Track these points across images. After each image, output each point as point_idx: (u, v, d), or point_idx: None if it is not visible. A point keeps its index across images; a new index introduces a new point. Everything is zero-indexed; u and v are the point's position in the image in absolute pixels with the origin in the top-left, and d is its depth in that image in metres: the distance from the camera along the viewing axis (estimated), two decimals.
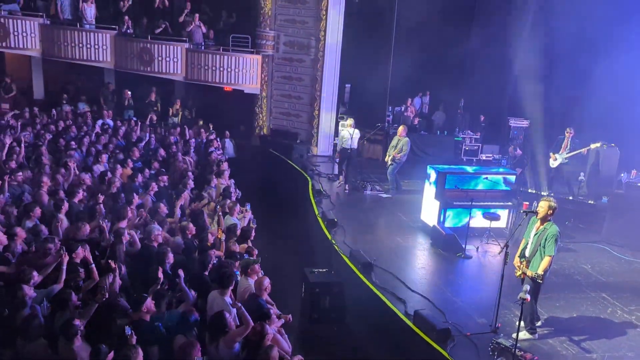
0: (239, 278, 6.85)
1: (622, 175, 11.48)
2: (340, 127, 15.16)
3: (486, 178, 10.71)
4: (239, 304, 5.91)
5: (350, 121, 13.39)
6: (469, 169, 11.78)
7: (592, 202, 12.73)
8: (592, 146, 12.66)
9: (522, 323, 6.77)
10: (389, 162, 12.98)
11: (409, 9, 15.55)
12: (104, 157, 10.89)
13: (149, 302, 5.71)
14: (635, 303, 8.23)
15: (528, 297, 6.30)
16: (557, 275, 8.82)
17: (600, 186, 12.98)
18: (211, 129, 14.93)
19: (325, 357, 7.90)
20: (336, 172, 14.32)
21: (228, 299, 6.29)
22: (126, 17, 15.90)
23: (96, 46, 15.67)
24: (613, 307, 8.10)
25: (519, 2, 15.95)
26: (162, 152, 12.27)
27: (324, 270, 9.05)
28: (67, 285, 6.04)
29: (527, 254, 6.99)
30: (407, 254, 9.90)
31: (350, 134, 13.11)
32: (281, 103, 16.83)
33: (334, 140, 16.34)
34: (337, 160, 14.03)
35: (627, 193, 10.77)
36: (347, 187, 13.29)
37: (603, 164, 13.24)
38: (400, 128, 13.10)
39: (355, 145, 13.33)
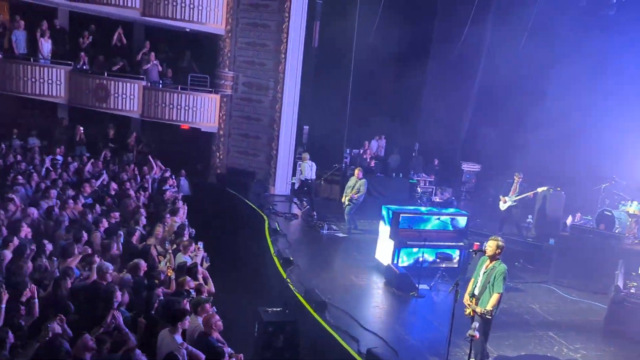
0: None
1: (568, 218, 11.93)
2: (299, 162, 15.62)
3: (438, 219, 10.95)
4: (185, 344, 5.78)
5: (305, 155, 14.91)
6: (423, 209, 12.02)
7: (539, 244, 13.13)
8: (539, 190, 13.16)
9: None
10: (346, 203, 13.16)
11: (366, 55, 16.05)
12: (53, 192, 10.61)
13: (88, 341, 5.48)
14: (580, 341, 8.45)
15: (477, 334, 6.39)
16: (506, 314, 8.99)
17: (547, 228, 13.43)
18: (164, 167, 14.77)
19: None
20: (294, 211, 14.64)
21: (179, 337, 6.15)
22: (82, 54, 15.80)
23: (50, 81, 15.44)
24: (559, 345, 8.29)
25: (469, 50, 16.68)
26: (114, 186, 12.06)
27: (278, 309, 8.97)
28: (7, 324, 5.78)
29: (476, 292, 7.12)
30: (362, 292, 9.93)
31: (309, 166, 14.53)
32: (239, 142, 16.88)
33: (292, 180, 16.47)
34: (298, 189, 15.40)
35: (572, 235, 11.17)
36: (314, 214, 14.06)
37: (550, 207, 13.71)
38: (357, 170, 13.36)
39: (314, 176, 14.83)
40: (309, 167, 14.77)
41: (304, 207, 14.82)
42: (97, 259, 7.56)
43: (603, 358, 8.04)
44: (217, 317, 6.50)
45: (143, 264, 7.87)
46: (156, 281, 7.48)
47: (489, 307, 6.82)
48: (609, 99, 13.61)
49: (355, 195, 13.00)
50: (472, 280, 7.30)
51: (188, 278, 7.78)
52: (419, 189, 16.31)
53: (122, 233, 9.32)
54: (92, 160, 14.15)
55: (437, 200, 16.34)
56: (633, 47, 13.39)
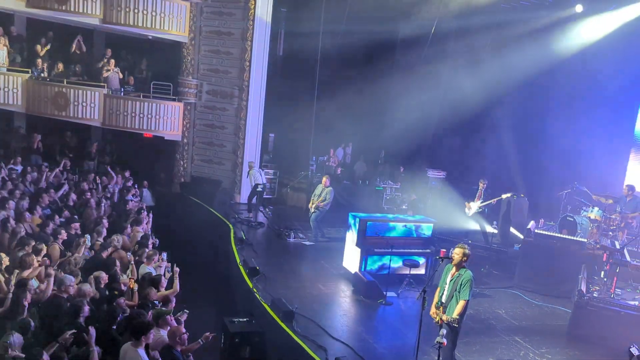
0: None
1: (532, 223, 12.10)
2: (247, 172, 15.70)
3: (405, 226, 10.97)
4: (154, 354, 5.60)
5: (252, 163, 15.42)
6: (389, 216, 12.03)
7: (504, 250, 13.30)
8: (503, 196, 13.31)
9: None
10: (312, 210, 13.09)
11: (331, 63, 16.09)
12: (10, 203, 10.23)
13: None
14: (545, 345, 8.55)
15: (444, 341, 6.37)
16: (473, 320, 9.04)
17: (512, 234, 13.63)
18: (128, 175, 14.47)
19: None
20: (260, 219, 14.59)
21: (142, 351, 5.94)
22: (39, 61, 15.36)
23: (6, 89, 14.95)
24: (526, 350, 8.36)
25: (433, 58, 16.87)
26: (73, 197, 11.71)
27: (245, 319, 8.81)
28: None
29: (443, 299, 7.12)
30: (329, 301, 9.85)
31: (258, 172, 15.13)
32: (203, 150, 16.67)
33: (257, 188, 16.31)
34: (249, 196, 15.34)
35: (536, 241, 11.33)
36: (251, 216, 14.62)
37: (514, 214, 13.94)
38: (324, 178, 13.33)
39: (264, 180, 15.39)
40: (259, 174, 15.09)
41: (267, 213, 15.03)
42: (52, 272, 7.27)
43: None
44: (183, 329, 6.32)
45: (104, 276, 7.63)
46: (116, 292, 7.24)
47: (455, 315, 6.81)
48: (571, 105, 13.93)
49: (322, 204, 12.96)
50: (439, 288, 7.30)
51: (152, 289, 7.57)
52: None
53: (88, 243, 9.04)
54: (52, 169, 13.73)
55: (404, 207, 16.43)
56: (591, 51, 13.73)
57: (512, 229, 13.98)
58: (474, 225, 13.69)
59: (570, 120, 13.74)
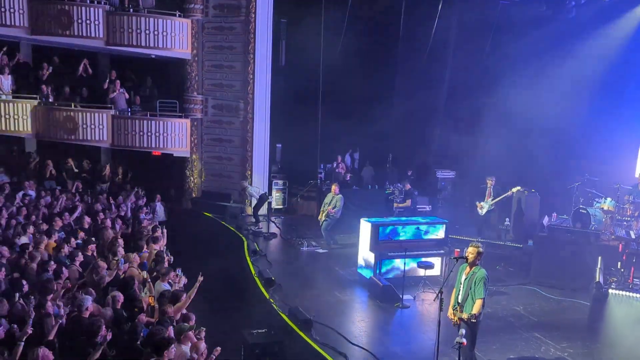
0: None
1: (545, 218, 12.07)
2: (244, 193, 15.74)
3: (417, 228, 10.98)
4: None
5: (243, 182, 15.58)
6: (401, 219, 12.05)
7: (519, 246, 13.24)
8: (513, 190, 13.27)
9: None
10: (323, 219, 13.16)
11: (333, 70, 16.14)
12: (27, 229, 10.35)
13: None
14: (566, 340, 8.51)
15: (464, 340, 6.38)
16: (491, 318, 9.02)
17: (525, 230, 13.58)
18: (141, 193, 14.59)
19: None
20: (272, 230, 14.60)
21: None
22: (43, 86, 15.54)
23: (16, 116, 15.15)
24: (546, 345, 8.33)
25: (436, 60, 16.90)
26: (87, 219, 11.82)
27: (263, 330, 8.87)
28: None
29: (460, 299, 7.13)
30: (346, 307, 9.87)
31: (255, 190, 15.18)
32: (212, 165, 16.76)
33: (269, 198, 16.41)
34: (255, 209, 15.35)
35: (550, 235, 11.31)
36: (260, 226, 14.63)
37: (526, 209, 13.88)
38: (334, 186, 13.42)
39: (265, 190, 15.68)
40: (255, 191, 15.21)
41: (277, 224, 15.14)
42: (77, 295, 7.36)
43: (591, 355, 8.09)
44: (204, 344, 6.38)
45: (120, 296, 7.69)
46: (136, 310, 7.30)
47: (473, 312, 6.83)
48: (575, 99, 13.87)
49: (333, 211, 13.01)
50: (454, 290, 7.31)
51: (170, 306, 7.63)
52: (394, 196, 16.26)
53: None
54: (65, 193, 13.88)
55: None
56: (595, 44, 13.70)
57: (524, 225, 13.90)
58: (486, 224, 13.67)
59: (578, 114, 13.68)
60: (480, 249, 7.13)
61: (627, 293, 8.79)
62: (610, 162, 12.83)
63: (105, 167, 16.30)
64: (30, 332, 6.22)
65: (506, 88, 14.76)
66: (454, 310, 7.12)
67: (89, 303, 7.16)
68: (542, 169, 14.32)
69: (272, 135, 16.49)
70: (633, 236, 10.16)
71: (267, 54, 15.93)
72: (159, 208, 14.92)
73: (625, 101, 13.37)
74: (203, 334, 6.92)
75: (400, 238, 10.76)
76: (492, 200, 13.39)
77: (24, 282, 7.83)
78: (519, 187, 13.17)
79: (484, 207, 13.49)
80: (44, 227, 10.82)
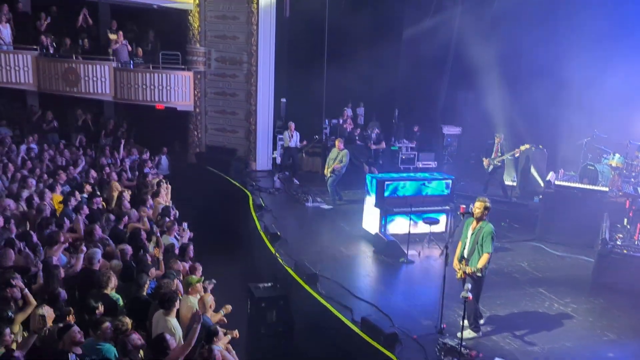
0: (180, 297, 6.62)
1: (551, 174, 11.97)
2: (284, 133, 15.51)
3: (424, 184, 10.93)
4: (197, 323, 5.72)
5: (290, 124, 15.11)
6: (407, 175, 12.00)
7: (525, 203, 13.23)
8: (522, 148, 13.15)
9: (465, 322, 6.92)
10: (328, 175, 13.09)
11: (340, 22, 15.78)
12: (31, 182, 10.33)
13: (76, 334, 5.34)
14: (570, 295, 8.57)
15: (470, 295, 6.42)
16: (496, 274, 9.06)
17: (532, 187, 13.52)
18: (145, 148, 14.53)
19: None
20: (277, 186, 14.53)
21: (173, 319, 6.06)
22: (43, 37, 15.22)
23: (17, 68, 14.89)
24: (550, 300, 8.39)
25: (444, 12, 16.47)
26: (93, 173, 11.79)
27: (269, 284, 8.95)
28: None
29: (465, 254, 7.14)
30: (352, 262, 9.92)
31: (290, 135, 14.91)
32: (216, 119, 16.59)
33: (273, 154, 16.31)
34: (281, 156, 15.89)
35: (557, 192, 11.23)
36: (296, 180, 14.79)
37: (533, 166, 13.79)
38: (337, 141, 13.31)
39: (298, 144, 15.23)
40: (289, 138, 15.11)
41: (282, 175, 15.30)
42: (83, 247, 7.37)
43: (593, 310, 8.16)
44: (211, 296, 6.43)
45: (129, 249, 7.72)
46: (150, 263, 7.35)
47: (479, 266, 6.84)
48: (582, 55, 13.50)
49: (339, 166, 12.93)
50: (460, 243, 7.31)
51: (178, 260, 7.68)
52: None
53: (112, 217, 9.12)
54: (68, 147, 13.82)
55: (421, 166, 16.32)
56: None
57: (532, 170, 13.80)
58: (492, 180, 13.61)
59: (585, 70, 13.32)
60: (487, 204, 7.10)
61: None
62: (620, 119, 12.60)
63: (110, 122, 16.17)
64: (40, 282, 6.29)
65: (515, 40, 14.41)
66: (459, 262, 7.14)
67: (99, 256, 7.19)
68: (551, 125, 14.11)
69: (277, 90, 16.25)
70: None
71: (272, 4, 15.50)
72: (164, 161, 14.88)
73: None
74: (211, 287, 6.96)
75: (406, 194, 10.71)
76: (500, 157, 13.28)
77: (32, 233, 7.86)
78: (527, 146, 13.04)
79: (490, 163, 13.39)
80: (49, 181, 10.81)
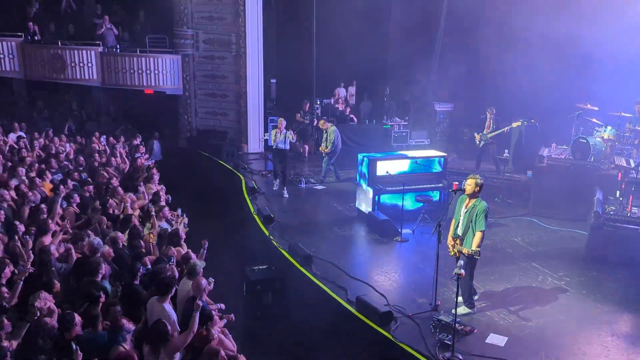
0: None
1: (544, 149, 11.95)
2: (271, 130, 13.51)
3: (416, 162, 10.89)
4: (196, 311, 5.70)
5: (280, 122, 12.33)
6: (399, 154, 11.95)
7: (518, 177, 13.24)
8: (514, 125, 13.14)
9: (460, 299, 6.94)
10: (324, 154, 13.09)
11: (328, 0, 15.58)
12: (21, 170, 10.24)
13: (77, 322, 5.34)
14: (563, 269, 8.61)
15: (462, 272, 6.42)
16: (489, 249, 9.08)
17: (524, 161, 13.51)
18: (137, 133, 14.42)
19: (271, 354, 7.79)
20: (270, 167, 14.32)
21: (168, 305, 6.04)
22: (30, 23, 14.98)
23: (2, 55, 14.70)
24: (544, 275, 8.43)
25: None
26: (81, 160, 11.70)
27: (264, 267, 8.95)
28: None
29: (459, 232, 7.13)
30: (346, 242, 9.92)
31: (284, 135, 12.17)
32: (206, 102, 16.46)
33: (264, 136, 16.20)
34: (270, 158, 13.61)
35: (549, 166, 11.23)
36: (285, 191, 12.30)
37: (525, 140, 13.78)
38: (321, 122, 13.30)
39: (287, 146, 12.35)
40: (283, 138, 12.26)
41: (275, 184, 12.80)
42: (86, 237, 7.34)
43: (586, 283, 8.20)
44: (205, 280, 6.40)
45: (121, 236, 7.69)
46: (143, 250, 7.31)
47: (474, 247, 6.83)
48: (575, 28, 13.39)
49: (326, 150, 12.95)
50: (454, 220, 7.30)
51: (171, 246, 7.65)
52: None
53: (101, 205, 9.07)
54: (57, 134, 13.68)
55: (413, 143, 16.28)
56: None
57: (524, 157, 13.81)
58: (485, 156, 13.60)
59: (573, 43, 13.19)
60: (479, 180, 7.07)
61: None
62: (611, 91, 12.55)
63: (93, 106, 16.02)
64: (31, 270, 6.25)
65: (505, 13, 14.25)
66: (453, 239, 7.14)
67: (101, 245, 7.15)
68: (543, 98, 14.05)
69: (266, 71, 16.09)
70: (632, 164, 10.08)
71: None
72: (156, 146, 14.79)
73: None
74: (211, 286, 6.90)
75: (398, 172, 10.68)
76: (491, 133, 13.25)
77: (17, 223, 7.79)
78: (519, 122, 13.02)
79: (482, 138, 13.37)
80: (40, 167, 10.71)
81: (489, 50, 14.69)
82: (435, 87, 17.44)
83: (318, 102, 16.91)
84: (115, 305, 5.76)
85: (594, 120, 11.80)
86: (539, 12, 14.01)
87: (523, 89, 14.06)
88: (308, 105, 14.78)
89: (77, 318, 5.42)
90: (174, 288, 6.22)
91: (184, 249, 7.82)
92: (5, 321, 5.32)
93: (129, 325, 5.49)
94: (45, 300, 5.68)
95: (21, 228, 7.66)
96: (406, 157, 11.13)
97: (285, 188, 12.34)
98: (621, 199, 9.39)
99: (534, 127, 13.63)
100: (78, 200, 9.12)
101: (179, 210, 9.50)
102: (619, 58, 12.33)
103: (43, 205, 8.45)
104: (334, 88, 17.54)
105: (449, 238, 7.24)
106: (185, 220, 9.34)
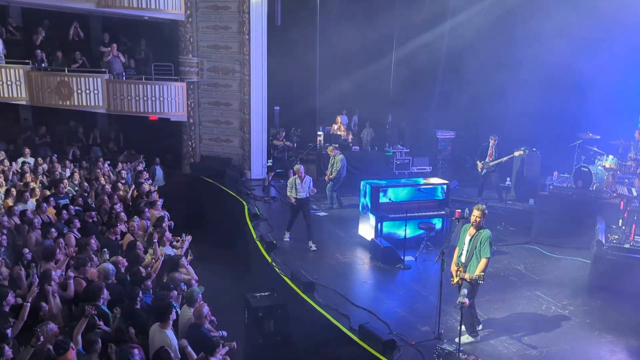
0: (178, 310, 6.61)
1: (549, 178, 12.03)
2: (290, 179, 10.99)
3: (418, 189, 10.93)
4: (185, 342, 5.70)
5: (297, 167, 10.82)
6: (402, 181, 12.01)
7: (519, 206, 13.26)
8: (516, 154, 13.22)
9: (463, 327, 6.90)
10: (328, 180, 13.21)
11: (331, 30, 15.84)
12: (26, 196, 10.30)
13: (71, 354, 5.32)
14: (566, 297, 8.57)
15: (467, 300, 6.41)
16: (492, 277, 9.05)
17: (526, 189, 13.55)
18: (141, 158, 14.54)
19: None
20: (273, 194, 14.44)
21: (169, 332, 6.04)
22: (38, 51, 15.22)
23: (9, 82, 14.89)
24: (547, 303, 8.39)
25: (433, 17, 16.51)
26: (85, 186, 11.76)
27: (266, 293, 8.90)
28: None
29: (462, 259, 7.13)
30: (348, 269, 9.90)
31: (307, 184, 10.68)
32: (210, 129, 16.61)
33: (268, 162, 16.29)
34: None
35: (551, 194, 11.26)
36: (312, 244, 10.67)
37: (527, 169, 13.84)
38: (329, 148, 13.42)
39: (307, 194, 10.72)
40: (300, 187, 10.64)
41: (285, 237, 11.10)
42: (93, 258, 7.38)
43: (590, 312, 8.15)
44: (207, 307, 6.40)
45: (122, 260, 7.71)
46: (143, 275, 7.32)
47: (478, 272, 6.82)
48: (574, 57, 13.55)
49: (331, 176, 13.10)
50: (457, 248, 7.31)
51: (175, 273, 7.67)
52: None
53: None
54: (62, 160, 13.79)
55: (415, 170, 16.33)
56: None
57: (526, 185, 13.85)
58: (487, 184, 13.64)
59: (577, 73, 13.34)
60: (485, 211, 7.10)
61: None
62: (612, 120, 12.64)
63: (96, 132, 16.15)
64: (37, 290, 6.26)
65: (509, 44, 14.50)
66: (457, 269, 7.13)
67: (113, 271, 7.16)
68: (545, 127, 14.17)
69: (270, 98, 16.27)
70: (635, 193, 10.11)
71: (263, 13, 15.58)
72: (159, 172, 14.87)
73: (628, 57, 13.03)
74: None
75: (401, 199, 10.71)
76: (493, 161, 13.33)
77: (26, 250, 7.83)
78: (521, 151, 13.10)
79: (484, 166, 13.44)
80: (45, 193, 10.77)
81: (490, 78, 14.88)
82: (436, 114, 17.59)
83: (320, 129, 17.04)
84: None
85: (595, 149, 11.88)
86: (538, 41, 14.24)
87: (524, 117, 14.23)
88: (284, 133, 15.02)
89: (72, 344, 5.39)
90: (174, 312, 6.21)
91: (186, 274, 7.84)
92: (6, 347, 5.31)
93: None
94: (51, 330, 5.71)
95: (28, 256, 7.69)
96: (409, 185, 11.18)
97: (311, 240, 10.69)
98: (624, 227, 9.40)
99: (536, 156, 13.73)
100: (79, 225, 9.14)
101: (184, 235, 9.50)
102: (618, 86, 12.49)
103: (53, 230, 8.50)
104: (335, 115, 17.67)
105: (453, 266, 7.24)
106: (189, 238, 9.32)
